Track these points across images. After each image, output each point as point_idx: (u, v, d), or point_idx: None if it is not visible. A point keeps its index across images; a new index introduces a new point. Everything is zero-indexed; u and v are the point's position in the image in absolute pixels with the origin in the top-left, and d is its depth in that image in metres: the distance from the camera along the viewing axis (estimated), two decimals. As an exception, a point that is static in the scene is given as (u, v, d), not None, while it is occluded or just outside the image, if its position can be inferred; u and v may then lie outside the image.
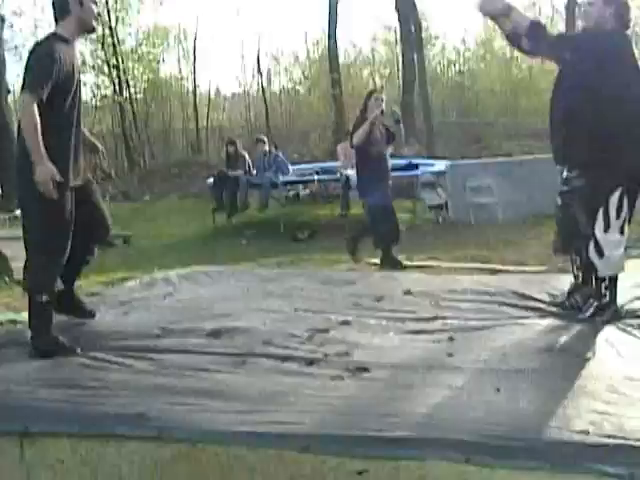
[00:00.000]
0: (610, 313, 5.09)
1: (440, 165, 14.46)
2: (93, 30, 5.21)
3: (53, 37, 4.94)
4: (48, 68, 4.70)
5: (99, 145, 5.66)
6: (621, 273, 5.18)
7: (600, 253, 5.08)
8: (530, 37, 5.10)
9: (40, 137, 4.61)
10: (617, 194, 4.99)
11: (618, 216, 5.02)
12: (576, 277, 5.62)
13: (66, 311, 5.52)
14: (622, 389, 3.64)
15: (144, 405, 3.68)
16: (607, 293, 5.15)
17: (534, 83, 24.23)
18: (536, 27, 5.11)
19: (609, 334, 4.72)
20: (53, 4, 5.05)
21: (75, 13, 4.95)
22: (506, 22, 5.26)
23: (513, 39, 5.34)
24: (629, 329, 4.81)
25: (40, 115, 4.62)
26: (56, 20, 5.03)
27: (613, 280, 5.17)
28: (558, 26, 27.73)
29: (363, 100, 8.74)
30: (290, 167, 15.27)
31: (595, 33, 5.15)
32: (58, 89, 4.78)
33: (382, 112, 8.54)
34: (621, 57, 5.05)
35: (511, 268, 7.87)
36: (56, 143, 4.77)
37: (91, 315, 5.67)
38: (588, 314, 5.15)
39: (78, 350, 4.78)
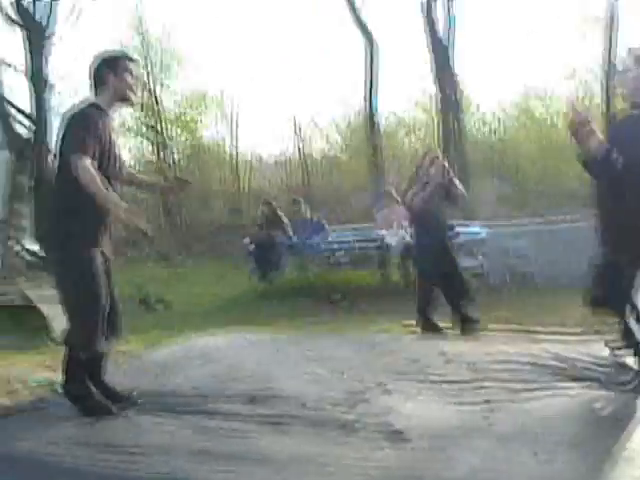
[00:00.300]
0: None
1: (478, 229, 14.43)
2: (128, 100, 5.24)
3: (89, 106, 5.03)
4: (89, 130, 4.78)
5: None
6: None
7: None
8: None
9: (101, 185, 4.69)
10: None
11: None
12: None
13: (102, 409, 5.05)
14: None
15: (181, 471, 3.70)
16: None
17: (574, 148, 24.04)
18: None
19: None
20: (90, 74, 5.13)
21: (110, 83, 5.03)
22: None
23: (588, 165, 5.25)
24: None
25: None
26: (95, 91, 5.11)
27: None
28: (595, 95, 27.82)
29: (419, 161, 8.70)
30: (329, 230, 15.31)
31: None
32: (96, 153, 4.82)
33: (444, 175, 8.27)
34: None
35: (547, 330, 7.80)
36: (92, 207, 4.77)
37: (131, 400, 5.22)
38: (631, 386, 5.05)
39: (114, 409, 4.82)
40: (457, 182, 8.37)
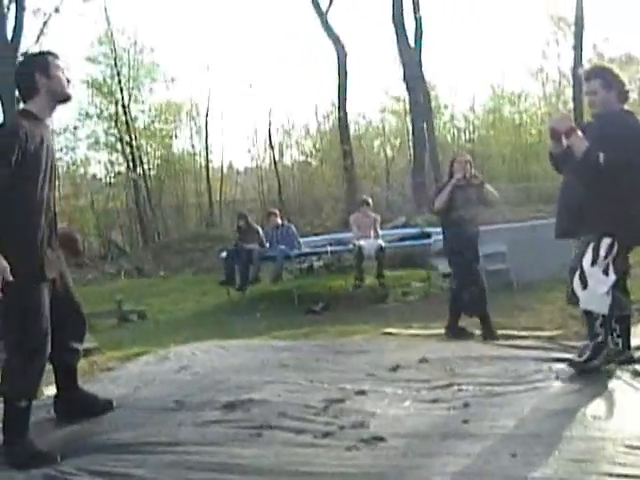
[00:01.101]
0: (604, 356, 5.15)
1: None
2: (68, 98, 4.73)
3: (21, 113, 4.63)
4: (8, 147, 4.27)
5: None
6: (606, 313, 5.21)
7: (584, 284, 5.21)
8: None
9: None
10: (609, 239, 5.15)
11: (605, 257, 5.14)
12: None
13: (78, 413, 5.02)
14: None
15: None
16: (600, 332, 5.21)
17: (544, 148, 24.31)
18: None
19: (620, 392, 4.69)
20: (17, 85, 4.73)
21: (42, 87, 4.56)
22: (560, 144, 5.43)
23: (557, 158, 5.57)
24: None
25: (8, 200, 4.28)
26: (24, 99, 4.67)
27: (607, 320, 5.23)
28: (565, 91, 28.03)
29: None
30: (300, 240, 15.33)
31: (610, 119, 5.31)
32: (26, 170, 4.35)
33: (465, 176, 8.15)
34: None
35: (526, 333, 7.83)
36: (27, 231, 4.41)
37: (109, 404, 5.17)
38: (585, 357, 5.22)
39: (58, 458, 4.28)
40: (487, 185, 8.28)
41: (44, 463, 4.22)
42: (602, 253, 5.15)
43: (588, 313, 5.34)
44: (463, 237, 8.18)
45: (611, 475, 3.32)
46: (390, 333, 8.51)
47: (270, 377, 5.81)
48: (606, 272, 5.17)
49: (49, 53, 4.77)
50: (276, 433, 4.36)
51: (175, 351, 7.30)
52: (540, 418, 4.28)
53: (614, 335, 5.29)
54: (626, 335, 5.35)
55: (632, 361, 5.24)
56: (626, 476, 3.29)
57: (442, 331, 8.14)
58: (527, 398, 4.74)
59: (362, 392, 5.14)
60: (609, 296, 5.20)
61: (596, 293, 5.19)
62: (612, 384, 4.88)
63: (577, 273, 5.27)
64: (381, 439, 4.09)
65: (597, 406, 4.45)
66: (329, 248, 14.88)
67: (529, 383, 5.12)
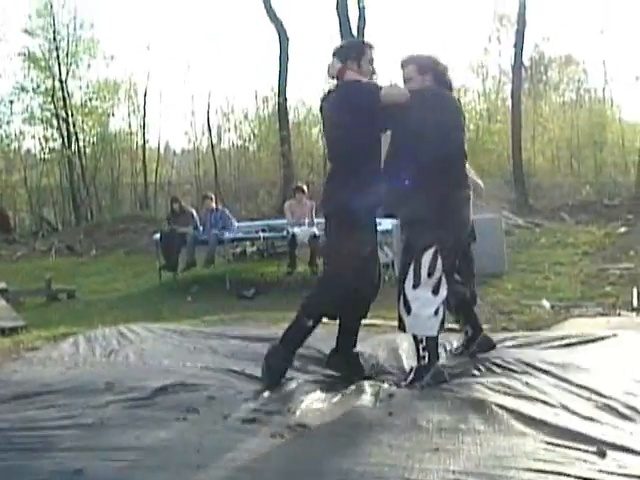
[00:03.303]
0: (430, 376, 5.01)
1: (387, 224, 14.50)
2: None
3: None
4: None
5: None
6: (435, 334, 5.12)
7: (408, 309, 5.08)
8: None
9: None
10: (430, 252, 5.01)
11: (430, 275, 5.01)
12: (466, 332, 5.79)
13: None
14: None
15: (83, 461, 3.66)
16: (425, 355, 5.09)
17: (480, 144, 24.58)
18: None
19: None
20: None
21: None
22: None
23: None
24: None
25: None
26: None
27: (431, 341, 5.10)
28: (505, 88, 28.32)
29: None
30: (235, 223, 15.30)
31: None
32: None
33: None
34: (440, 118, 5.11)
35: (455, 326, 7.90)
36: None
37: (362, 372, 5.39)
38: (409, 380, 5.10)
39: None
40: (472, 173, 8.18)
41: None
42: (424, 273, 5.01)
43: (414, 337, 5.17)
44: None
45: (530, 470, 3.39)
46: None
47: (202, 363, 5.81)
48: (435, 291, 5.04)
49: None
50: (203, 417, 4.38)
51: (105, 332, 7.24)
52: (464, 412, 4.34)
53: (420, 347, 5.11)
54: (434, 348, 5.17)
55: (440, 374, 5.08)
56: (545, 472, 3.36)
57: (375, 321, 8.16)
58: (451, 392, 4.80)
59: (291, 379, 5.17)
60: (438, 316, 5.07)
61: (422, 317, 5.04)
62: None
63: (400, 299, 5.12)
64: (306, 427, 4.13)
65: (518, 402, 4.52)
66: (262, 234, 14.87)
67: (455, 377, 5.18)
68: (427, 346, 5.09)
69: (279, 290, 12.55)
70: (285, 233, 14.00)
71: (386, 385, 5.04)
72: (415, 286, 5.04)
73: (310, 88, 52.91)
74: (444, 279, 5.06)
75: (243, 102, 45.43)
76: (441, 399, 4.60)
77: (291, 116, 27.09)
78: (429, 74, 5.28)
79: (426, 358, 5.09)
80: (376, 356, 5.87)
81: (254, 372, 5.39)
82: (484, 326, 6.30)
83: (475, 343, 5.74)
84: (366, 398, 4.75)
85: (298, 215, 14.09)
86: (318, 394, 4.85)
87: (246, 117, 30.63)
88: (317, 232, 13.54)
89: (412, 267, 5.05)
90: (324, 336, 6.01)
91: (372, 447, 3.79)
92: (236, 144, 30.87)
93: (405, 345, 6.01)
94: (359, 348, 5.68)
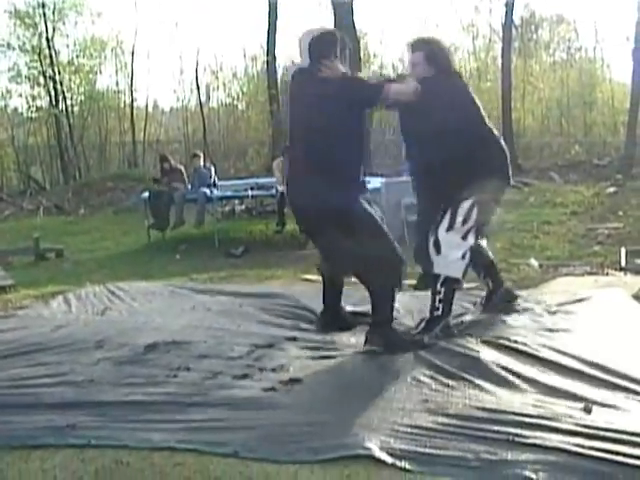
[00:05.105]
0: (439, 329, 5.14)
1: (375, 182, 14.50)
2: None
3: None
4: None
5: None
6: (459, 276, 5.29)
7: (438, 249, 5.24)
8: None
9: None
10: (468, 202, 5.19)
11: (464, 223, 5.20)
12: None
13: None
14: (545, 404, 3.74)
15: (73, 417, 3.68)
16: (439, 307, 5.23)
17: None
18: None
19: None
20: None
21: None
22: None
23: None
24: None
25: None
26: None
27: (449, 292, 5.26)
28: (495, 46, 28.18)
29: None
30: (223, 182, 15.32)
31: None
32: None
33: None
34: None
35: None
36: None
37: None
38: (419, 330, 5.26)
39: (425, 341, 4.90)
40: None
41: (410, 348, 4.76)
42: (459, 219, 5.19)
43: (433, 284, 5.30)
44: None
45: (518, 425, 3.43)
46: (309, 280, 8.55)
47: (192, 320, 5.83)
48: (464, 237, 5.23)
49: None
50: (193, 374, 4.39)
51: (95, 291, 7.24)
52: (455, 367, 4.35)
53: (436, 299, 5.25)
54: (449, 300, 5.30)
55: (449, 328, 5.21)
56: (532, 426, 3.41)
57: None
58: (444, 347, 4.80)
59: (287, 339, 5.18)
60: (464, 260, 5.27)
61: (451, 257, 5.22)
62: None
63: (431, 240, 5.27)
64: (298, 381, 4.16)
65: (508, 359, 4.55)
66: (251, 192, 14.86)
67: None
68: (444, 297, 5.24)
69: (268, 248, 12.58)
70: (274, 191, 14.00)
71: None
72: (448, 229, 5.22)
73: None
74: (474, 230, 5.26)
75: (232, 60, 45.07)
76: (434, 354, 4.63)
77: (280, 74, 26.90)
78: (436, 61, 5.32)
79: (440, 310, 5.23)
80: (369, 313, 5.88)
81: (246, 329, 5.42)
82: (472, 284, 6.34)
83: (497, 295, 5.89)
84: (359, 354, 4.79)
85: (285, 173, 14.06)
86: (311, 352, 4.88)
87: (235, 75, 30.43)
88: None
89: (449, 213, 5.21)
90: (315, 295, 6.05)
91: (363, 400, 3.83)
92: (225, 102, 30.70)
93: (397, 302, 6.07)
94: (359, 307, 5.73)
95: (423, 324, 5.29)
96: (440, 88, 5.18)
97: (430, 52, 5.35)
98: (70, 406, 3.90)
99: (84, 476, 3.31)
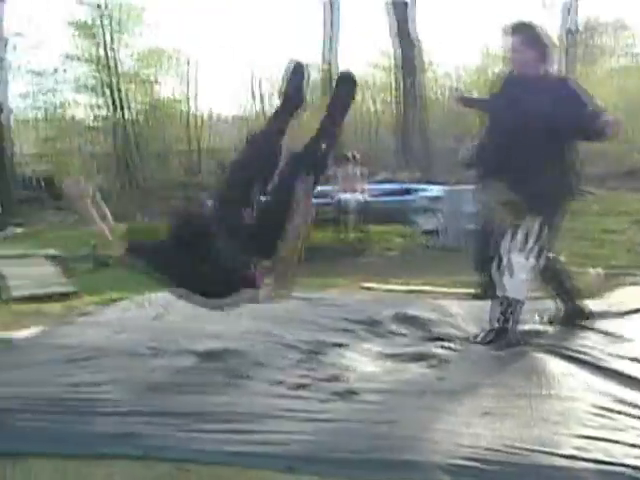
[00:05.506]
0: (507, 340, 5.10)
1: (437, 190, 14.44)
2: None
3: None
4: None
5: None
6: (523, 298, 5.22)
7: (510, 273, 5.15)
8: None
9: None
10: (539, 220, 5.10)
11: (535, 243, 5.11)
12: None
13: None
14: (612, 415, 3.64)
15: (132, 425, 3.68)
16: (509, 318, 5.17)
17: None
18: None
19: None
20: None
21: None
22: None
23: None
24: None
25: None
26: None
27: (519, 305, 5.20)
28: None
29: None
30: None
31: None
32: None
33: None
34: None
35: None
36: None
37: None
38: (487, 340, 5.18)
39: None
40: None
41: None
42: (531, 240, 5.11)
43: (505, 298, 5.24)
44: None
45: (580, 436, 3.34)
46: (368, 288, 8.50)
47: (246, 328, 5.80)
48: (534, 257, 5.15)
49: None
50: (250, 383, 4.37)
51: (151, 298, 7.25)
52: (514, 377, 4.30)
53: (507, 311, 5.20)
54: (518, 312, 5.26)
55: (517, 339, 5.17)
56: (595, 438, 3.31)
57: (424, 288, 8.10)
58: (502, 357, 4.77)
59: (339, 346, 5.14)
60: (528, 281, 5.22)
61: (518, 279, 5.16)
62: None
63: (504, 260, 5.18)
64: (355, 393, 4.10)
65: (571, 367, 4.47)
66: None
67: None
68: (514, 309, 5.19)
69: (326, 256, 12.52)
70: (332, 199, 13.97)
71: (438, 350, 5.01)
72: (520, 251, 5.13)
73: (356, 56, 52.68)
74: (542, 249, 5.18)
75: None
76: (493, 363, 4.57)
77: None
78: (537, 48, 5.17)
79: (510, 321, 5.19)
80: (430, 321, 5.82)
81: (301, 337, 5.38)
82: (536, 293, 6.24)
83: (567, 313, 5.72)
84: (417, 363, 4.73)
85: (346, 181, 14.03)
86: (366, 361, 4.83)
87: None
88: (364, 198, 13.51)
89: (521, 233, 5.12)
90: (374, 303, 6.00)
91: (422, 412, 3.77)
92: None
93: (457, 310, 5.99)
94: (413, 312, 5.68)
95: (492, 335, 5.20)
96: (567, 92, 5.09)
97: (531, 35, 5.19)
98: (128, 414, 3.90)
99: (146, 480, 3.31)
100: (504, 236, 5.17)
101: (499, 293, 5.24)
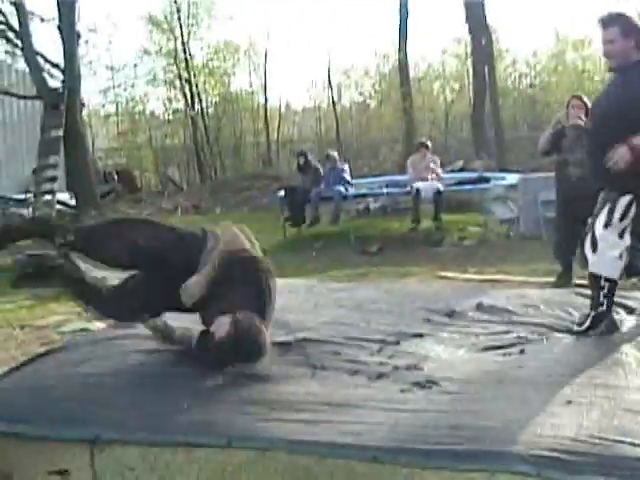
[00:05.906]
0: (605, 325, 5.04)
1: (512, 179, 14.33)
2: None
3: None
4: None
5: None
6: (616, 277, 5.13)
7: (594, 247, 5.09)
8: None
9: None
10: (628, 198, 4.97)
11: (621, 219, 5.00)
12: None
13: None
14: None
15: (213, 414, 3.71)
16: (604, 302, 5.09)
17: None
18: None
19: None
20: None
21: None
22: None
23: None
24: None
25: None
26: None
27: (612, 287, 5.12)
28: None
29: None
30: (357, 181, 15.34)
31: None
32: None
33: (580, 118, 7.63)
34: None
35: (581, 282, 7.71)
36: None
37: None
38: (584, 327, 5.09)
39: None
40: None
41: None
42: (617, 215, 5.00)
43: (594, 279, 5.18)
44: (565, 183, 7.68)
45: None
46: (445, 277, 8.48)
47: (326, 317, 5.81)
48: (621, 235, 5.04)
49: None
50: (330, 373, 4.36)
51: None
52: (596, 367, 4.24)
53: (600, 294, 5.12)
54: (612, 296, 5.17)
55: (614, 324, 5.11)
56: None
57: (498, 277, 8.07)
58: (583, 346, 4.71)
59: (418, 335, 5.11)
60: (622, 260, 5.09)
61: (608, 257, 5.06)
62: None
63: (588, 237, 5.16)
64: (435, 383, 4.09)
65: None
66: (386, 190, 14.86)
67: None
68: (608, 293, 5.11)
69: (403, 246, 12.51)
70: (409, 189, 13.94)
71: (518, 339, 4.97)
72: (606, 225, 5.06)
73: (430, 43, 52.39)
74: (629, 229, 5.07)
75: (363, 59, 45.11)
76: (573, 352, 4.52)
77: (412, 72, 26.78)
78: (633, 37, 5.03)
79: (604, 305, 5.10)
80: (509, 309, 5.77)
81: (380, 326, 5.37)
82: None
83: None
84: (496, 352, 4.69)
85: (420, 170, 13.99)
86: (445, 350, 4.81)
87: (367, 74, 30.51)
88: (441, 187, 13.46)
89: (607, 207, 5.05)
90: (450, 291, 5.97)
91: (502, 402, 3.73)
92: (357, 101, 30.81)
93: (536, 298, 5.92)
94: (491, 301, 5.64)
95: (588, 320, 5.12)
96: None
97: (626, 25, 5.04)
98: (212, 403, 3.94)
99: (227, 467, 3.36)
100: (597, 215, 5.12)
101: (590, 269, 5.20)
